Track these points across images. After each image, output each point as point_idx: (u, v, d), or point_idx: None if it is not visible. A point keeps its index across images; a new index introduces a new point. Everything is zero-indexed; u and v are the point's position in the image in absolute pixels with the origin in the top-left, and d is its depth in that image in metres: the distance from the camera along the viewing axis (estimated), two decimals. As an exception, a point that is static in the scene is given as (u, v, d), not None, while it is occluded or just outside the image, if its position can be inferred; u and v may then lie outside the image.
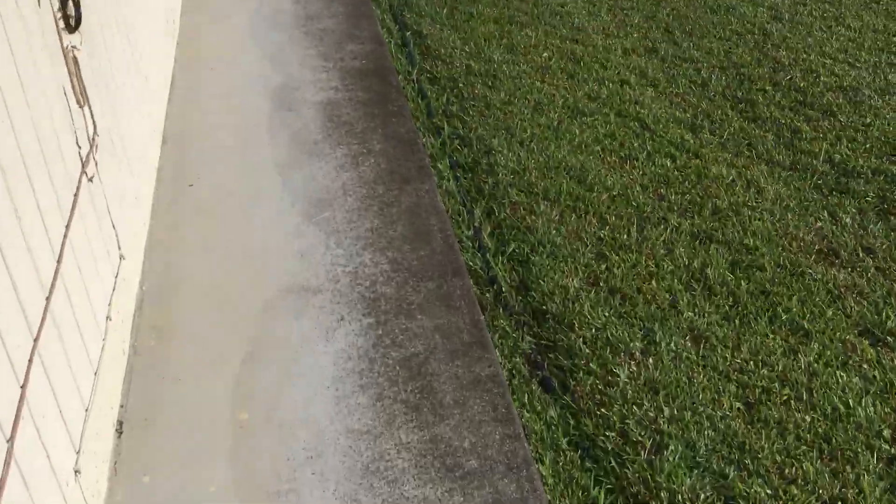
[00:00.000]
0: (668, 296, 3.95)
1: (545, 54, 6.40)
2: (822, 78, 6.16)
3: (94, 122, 3.07)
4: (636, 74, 6.21)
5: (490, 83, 5.89)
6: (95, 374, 2.69)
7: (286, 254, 3.80)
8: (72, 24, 2.92)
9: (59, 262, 2.44)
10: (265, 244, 3.87)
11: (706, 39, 6.86)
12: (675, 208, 4.62)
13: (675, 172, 4.95)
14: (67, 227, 2.57)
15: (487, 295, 3.87)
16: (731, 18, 7.28)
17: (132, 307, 3.36)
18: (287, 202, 4.16)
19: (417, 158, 4.58)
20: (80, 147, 2.85)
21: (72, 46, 2.90)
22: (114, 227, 3.18)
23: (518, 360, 3.52)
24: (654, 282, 4.03)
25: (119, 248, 3.22)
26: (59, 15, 2.82)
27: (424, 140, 5.05)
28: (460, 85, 5.83)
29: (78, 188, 2.75)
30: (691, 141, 5.31)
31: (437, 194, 4.34)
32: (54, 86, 2.67)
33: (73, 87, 2.86)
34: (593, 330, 3.70)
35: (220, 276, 3.66)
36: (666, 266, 4.13)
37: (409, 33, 6.59)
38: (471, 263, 4.03)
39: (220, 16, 6.26)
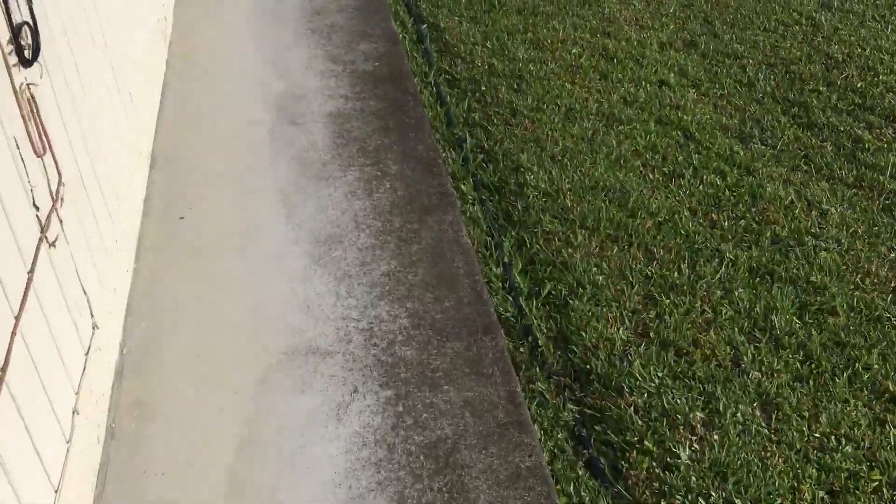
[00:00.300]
0: (729, 350, 3.43)
1: (574, 50, 5.83)
2: (880, 76, 5.58)
3: (58, 171, 2.57)
4: (675, 73, 5.64)
5: (516, 85, 5.33)
6: (57, 491, 2.21)
7: (290, 306, 3.30)
8: (27, 55, 2.41)
9: (2, 370, 1.94)
10: (265, 294, 3.37)
11: (749, 31, 6.26)
12: (730, 237, 4.08)
13: (727, 192, 4.41)
14: (17, 319, 2.07)
15: (521, 350, 3.37)
16: (776, 6, 6.66)
17: (109, 380, 2.88)
18: (290, 239, 3.65)
19: (438, 182, 4.06)
20: (37, 209, 2.35)
21: (28, 84, 2.39)
22: (84, 291, 2.68)
23: (560, 434, 3.02)
24: (711, 332, 3.51)
25: (92, 316, 2.73)
26: (8, 49, 2.30)
27: (445, 155, 4.52)
28: (483, 88, 5.28)
29: (34, 263, 2.25)
30: (741, 153, 4.76)
31: (462, 226, 3.82)
32: (0, 140, 2.16)
33: (28, 134, 2.35)
34: (646, 395, 3.20)
35: (213, 336, 3.17)
36: (724, 312, 3.61)
37: (424, 27, 6.02)
38: (501, 310, 3.52)
39: (218, 8, 5.71)
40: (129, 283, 3.34)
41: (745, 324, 3.56)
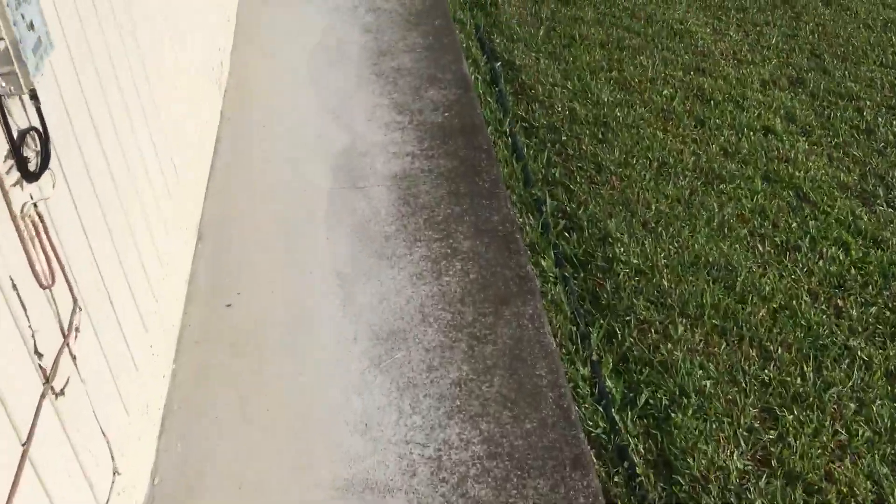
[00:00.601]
0: (870, 486, 2.83)
1: (666, 91, 5.25)
2: None
3: (73, 296, 2.16)
4: (781, 117, 5.01)
5: (600, 134, 4.79)
6: None
7: (345, 423, 2.85)
8: (33, 167, 2.00)
9: None
10: (317, 405, 2.93)
11: (864, 66, 5.57)
12: (860, 329, 3.47)
13: (852, 270, 3.78)
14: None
15: (616, 479, 2.84)
16: (893, 36, 5.95)
17: (135, 525, 2.47)
18: (348, 334, 3.20)
19: (516, 263, 3.56)
20: (40, 356, 1.94)
21: (32, 203, 1.99)
22: (104, 434, 2.27)
23: None
24: (846, 461, 2.92)
25: (112, 460, 2.32)
26: (6, 166, 1.90)
27: (522, 220, 4.02)
28: (563, 138, 4.76)
29: (31, 430, 1.84)
30: (865, 219, 4.12)
31: (545, 320, 3.31)
32: (-11, 285, 1.75)
33: (30, 264, 1.95)
34: (771, 549, 2.64)
35: (258, 462, 2.73)
36: (861, 433, 3.01)
37: (499, 65, 5.53)
38: (591, 424, 3.00)
39: (274, 48, 5.32)
40: (164, 392, 2.94)
41: (888, 450, 2.96)
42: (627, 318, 3.50)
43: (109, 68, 2.70)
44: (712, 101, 5.16)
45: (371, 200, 3.93)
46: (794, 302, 3.58)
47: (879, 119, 4.97)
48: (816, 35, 6.02)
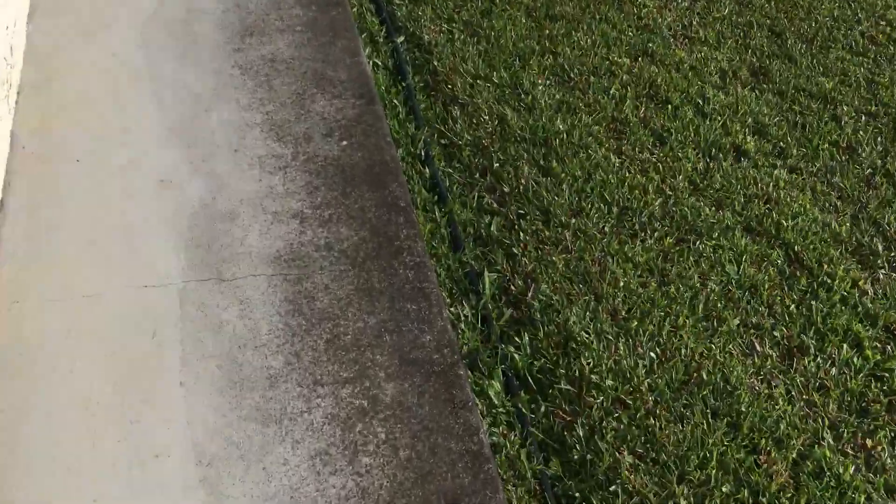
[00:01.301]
0: None
1: (613, 89, 4.19)
2: None
3: None
4: (750, 130, 4.09)
5: (542, 160, 3.71)
6: None
7: None
8: None
9: None
10: None
11: (833, 52, 4.70)
12: (890, 478, 2.70)
13: (873, 386, 2.99)
14: None
15: None
16: (858, 10, 5.08)
17: None
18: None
19: (464, 424, 2.51)
20: None
21: None
22: None
23: None
24: None
25: None
26: None
27: (454, 308, 2.95)
28: (495, 164, 3.65)
29: None
30: (870, 293, 3.33)
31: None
32: None
33: None
34: None
35: None
36: None
37: (401, 40, 4.25)
38: None
39: (94, 19, 3.81)
40: None
41: None
42: (612, 490, 2.56)
43: None
44: (669, 105, 4.15)
45: (244, 306, 2.72)
46: (816, 448, 2.75)
47: (861, 133, 4.13)
48: (773, 3, 5.06)
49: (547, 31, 4.55)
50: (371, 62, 4.03)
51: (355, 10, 4.40)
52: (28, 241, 2.83)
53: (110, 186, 3.06)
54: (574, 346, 2.96)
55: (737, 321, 3.14)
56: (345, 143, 3.33)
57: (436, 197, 3.45)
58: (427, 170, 3.56)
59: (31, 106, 3.32)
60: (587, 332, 3.01)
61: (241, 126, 3.35)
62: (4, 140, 3.13)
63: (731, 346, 3.05)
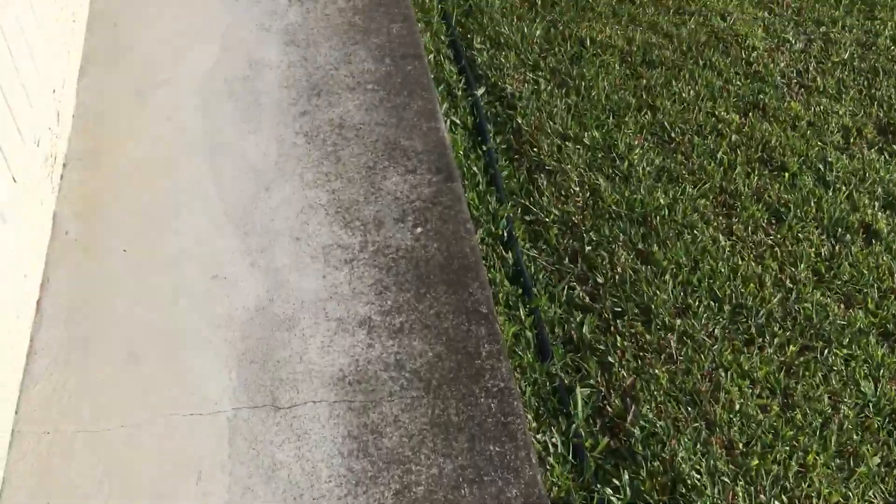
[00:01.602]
0: None
1: (721, 151, 3.69)
2: None
3: None
4: (881, 204, 3.55)
5: (641, 243, 3.26)
6: None
7: None
8: None
9: None
10: None
11: (974, 106, 4.09)
12: None
13: None
14: None
15: None
16: None
17: None
18: None
19: None
20: None
21: None
22: None
23: None
24: None
25: None
26: None
27: (546, 440, 2.54)
28: (587, 247, 3.21)
29: None
30: None
31: None
32: None
33: None
34: None
35: None
36: None
37: (484, 104, 3.83)
38: None
39: (148, 77, 3.49)
40: None
41: None
42: None
43: None
44: (786, 172, 3.64)
45: (302, 443, 2.35)
46: None
47: None
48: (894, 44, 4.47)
49: (644, 81, 4.07)
50: (448, 120, 3.63)
51: (432, 56, 3.99)
52: (64, 353, 2.52)
53: (158, 283, 2.72)
54: (684, 489, 2.51)
55: (877, 459, 2.65)
56: (419, 230, 2.93)
57: (520, 290, 3.02)
58: (510, 255, 3.14)
59: (76, 181, 3.01)
60: (698, 472, 2.56)
61: (304, 208, 2.98)
62: (46, 224, 2.83)
63: (871, 493, 2.57)
